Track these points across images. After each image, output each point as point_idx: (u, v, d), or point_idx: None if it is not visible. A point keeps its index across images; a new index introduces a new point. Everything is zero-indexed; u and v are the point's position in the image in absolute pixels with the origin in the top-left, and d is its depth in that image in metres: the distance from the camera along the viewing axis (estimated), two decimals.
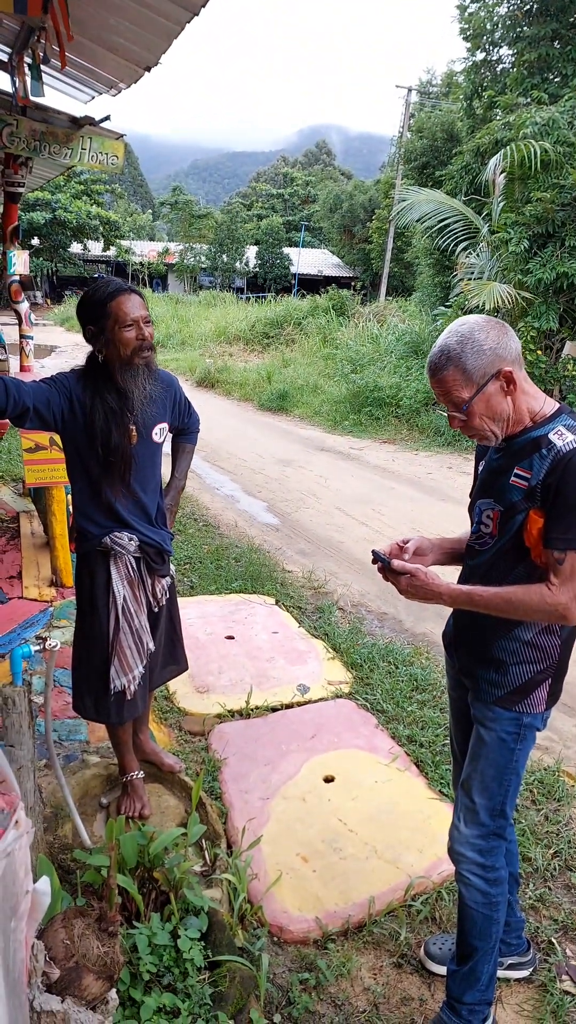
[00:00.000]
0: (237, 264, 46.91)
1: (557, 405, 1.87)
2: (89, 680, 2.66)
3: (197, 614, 4.81)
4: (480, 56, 16.59)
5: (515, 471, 1.83)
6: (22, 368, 6.33)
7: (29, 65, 4.45)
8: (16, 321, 6.19)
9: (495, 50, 16.45)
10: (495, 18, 15.77)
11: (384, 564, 1.93)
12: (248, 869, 2.64)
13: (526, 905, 2.67)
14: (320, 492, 8.56)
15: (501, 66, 16.56)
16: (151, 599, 2.69)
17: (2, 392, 2.18)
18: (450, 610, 2.12)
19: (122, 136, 5.71)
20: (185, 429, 2.95)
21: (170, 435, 2.81)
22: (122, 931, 1.97)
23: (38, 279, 39.78)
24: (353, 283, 38.02)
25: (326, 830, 2.94)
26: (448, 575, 1.96)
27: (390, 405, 12.84)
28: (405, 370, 13.52)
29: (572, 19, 14.21)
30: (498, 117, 14.22)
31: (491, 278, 11.09)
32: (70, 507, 4.85)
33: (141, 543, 2.59)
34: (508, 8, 15.57)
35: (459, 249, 12.38)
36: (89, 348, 2.47)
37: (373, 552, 1.95)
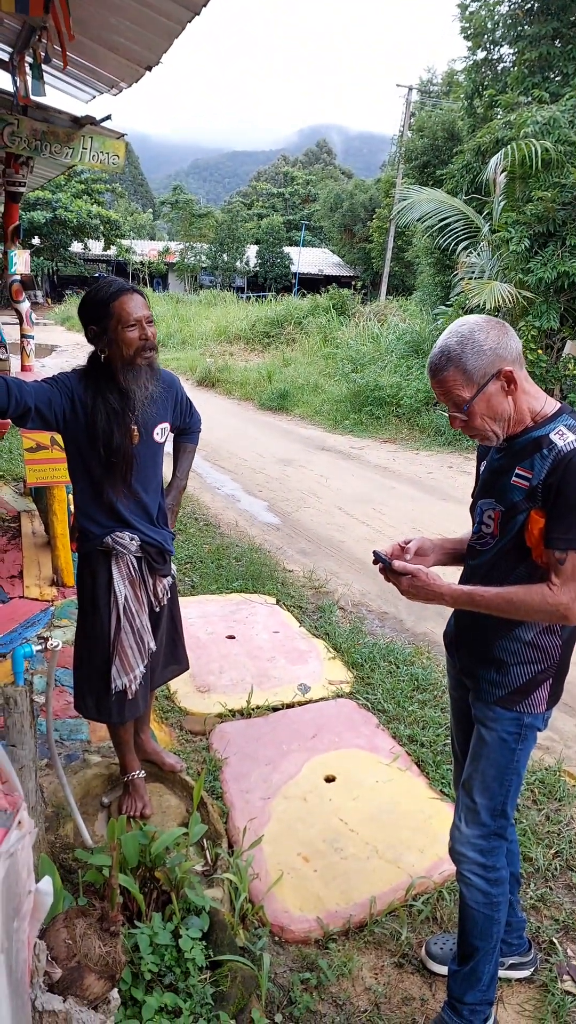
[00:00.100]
0: (238, 263, 46.90)
1: (558, 405, 1.87)
2: (90, 680, 2.66)
3: (198, 613, 4.81)
4: (481, 55, 16.56)
5: (516, 471, 1.83)
6: (23, 368, 6.33)
7: (30, 65, 4.45)
8: (17, 320, 6.19)
9: (496, 49, 16.41)
10: (496, 17, 15.74)
11: (385, 565, 1.93)
12: (249, 869, 2.64)
13: (527, 905, 2.67)
14: (321, 491, 8.56)
15: (502, 65, 16.53)
16: (152, 599, 2.69)
17: (4, 392, 2.18)
18: (451, 610, 2.12)
19: (123, 135, 5.71)
20: (187, 429, 2.95)
21: (171, 435, 2.81)
22: (124, 931, 1.97)
23: (39, 278, 39.75)
24: (354, 282, 38.00)
25: (327, 830, 2.95)
26: (449, 575, 1.96)
27: (391, 404, 12.84)
28: (406, 369, 13.52)
29: (573, 18, 14.18)
30: (499, 116, 14.20)
31: (492, 277, 11.09)
32: (71, 506, 4.86)
33: (142, 543, 2.59)
34: (509, 7, 15.54)
35: (460, 248, 12.38)
36: (91, 348, 2.48)
37: (374, 553, 1.95)
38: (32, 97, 4.74)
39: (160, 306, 30.07)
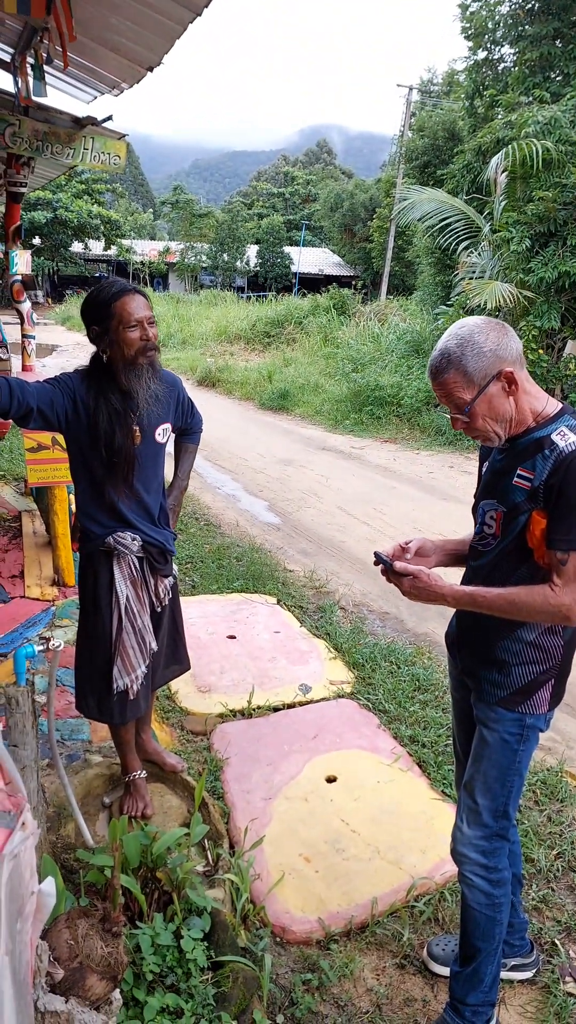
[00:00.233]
0: (238, 263, 46.88)
1: (560, 405, 1.87)
2: (92, 680, 2.66)
3: (199, 613, 4.81)
4: (482, 55, 16.55)
5: (518, 472, 1.83)
6: (24, 367, 6.33)
7: (32, 65, 4.45)
8: (18, 320, 6.19)
9: (497, 49, 16.40)
10: (497, 17, 15.73)
11: (386, 566, 1.93)
12: (251, 869, 2.64)
13: (529, 906, 2.67)
14: (321, 491, 8.56)
15: (503, 65, 16.52)
16: (154, 599, 2.70)
17: (6, 393, 2.18)
18: (453, 611, 2.12)
19: (124, 136, 5.71)
20: (188, 429, 2.95)
21: (173, 435, 2.81)
22: (125, 931, 1.97)
23: (39, 278, 39.73)
24: (354, 282, 37.99)
25: (328, 830, 2.95)
26: (451, 576, 1.96)
27: (391, 404, 12.84)
28: (406, 369, 13.52)
29: (574, 18, 14.17)
30: (500, 116, 14.20)
31: (493, 277, 11.09)
32: (72, 506, 4.86)
33: (144, 543, 2.59)
34: (510, 7, 15.53)
35: (460, 248, 12.37)
36: (92, 348, 2.48)
37: (375, 554, 1.95)
38: (33, 98, 4.74)
39: (160, 306, 30.08)
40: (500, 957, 2.12)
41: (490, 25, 15.87)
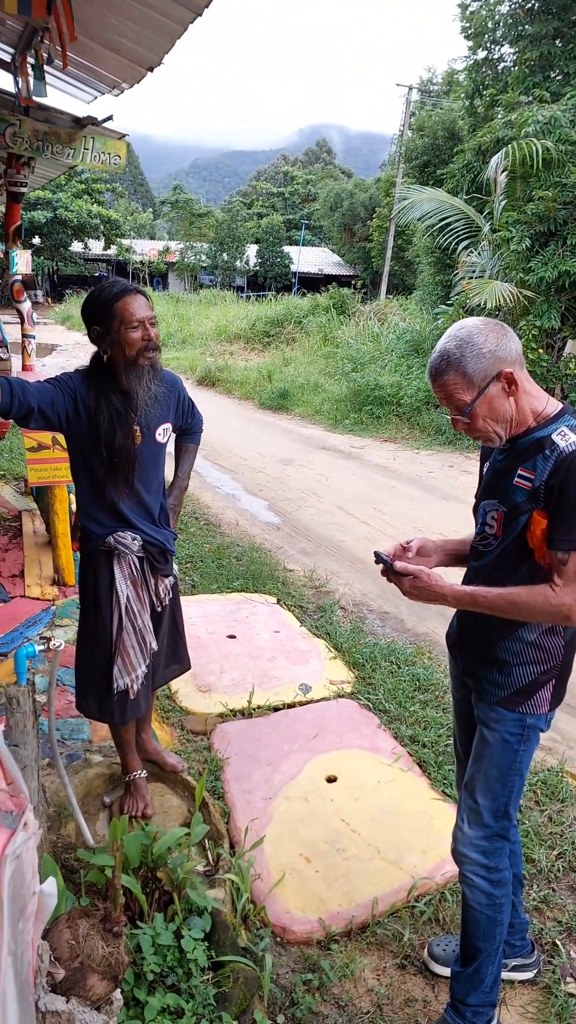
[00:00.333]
0: (237, 263, 46.87)
1: (560, 405, 1.87)
2: (92, 679, 2.66)
3: (199, 613, 4.81)
4: (481, 54, 16.53)
5: (519, 472, 1.83)
6: (24, 367, 6.33)
7: (32, 65, 4.45)
8: (18, 320, 6.19)
9: (496, 48, 16.38)
10: (497, 16, 15.71)
11: (387, 566, 1.93)
12: (251, 869, 2.64)
13: (530, 907, 2.67)
14: (321, 491, 8.56)
15: (503, 64, 16.50)
16: (154, 599, 2.70)
17: (7, 393, 2.18)
18: (453, 610, 2.12)
19: (124, 136, 5.71)
20: (188, 429, 2.95)
21: (173, 435, 2.81)
22: (126, 931, 1.97)
23: (39, 278, 39.77)
24: (354, 281, 37.98)
25: (329, 830, 2.95)
26: (452, 576, 1.96)
27: (391, 404, 12.84)
28: (406, 369, 13.52)
29: (574, 17, 14.16)
30: (499, 115, 14.19)
31: (492, 276, 11.09)
32: (72, 506, 4.86)
33: (144, 543, 2.60)
34: (510, 6, 15.52)
35: (460, 247, 12.37)
36: (92, 348, 2.48)
37: (375, 554, 1.95)
38: (34, 98, 4.74)
39: (160, 305, 30.06)
40: (501, 957, 2.12)
41: (490, 25, 15.85)
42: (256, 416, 14.01)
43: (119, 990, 1.68)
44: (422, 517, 7.57)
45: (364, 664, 4.33)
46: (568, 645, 1.93)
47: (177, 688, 3.91)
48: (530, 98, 12.74)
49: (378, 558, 1.95)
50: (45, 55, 4.22)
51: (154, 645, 2.68)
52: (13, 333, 8.24)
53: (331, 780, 3.27)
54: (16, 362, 7.72)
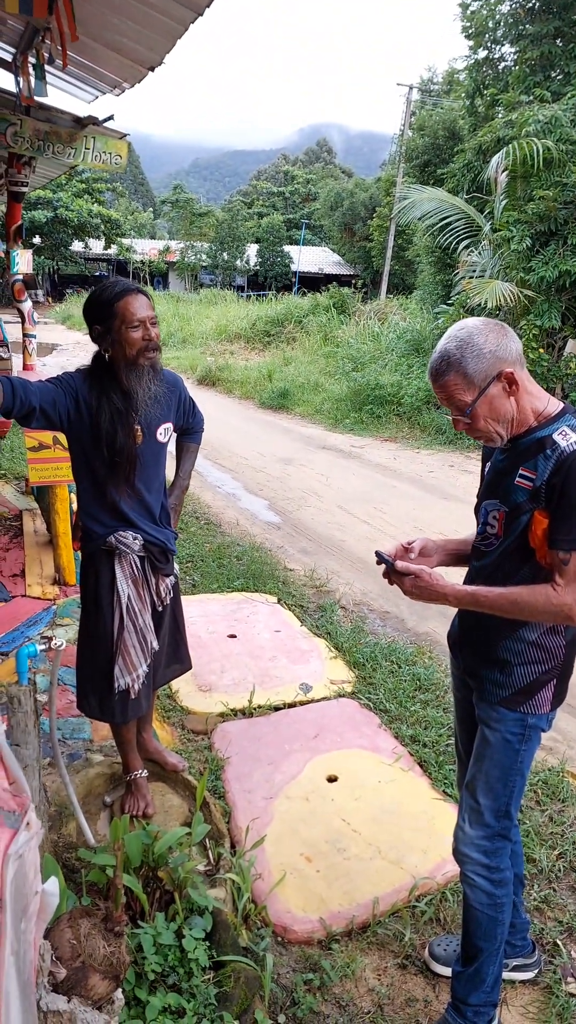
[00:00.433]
0: (238, 262, 46.87)
1: (561, 405, 1.87)
2: (93, 679, 2.66)
3: (199, 612, 4.81)
4: (482, 54, 16.54)
5: (520, 472, 1.83)
6: (25, 366, 6.34)
7: (33, 65, 4.46)
8: (19, 319, 6.20)
9: (497, 48, 16.39)
10: (497, 16, 15.72)
11: (388, 565, 1.93)
12: (252, 869, 2.64)
13: (531, 907, 2.67)
14: (321, 490, 8.57)
15: (503, 64, 16.51)
16: (155, 598, 2.70)
17: (8, 392, 2.18)
18: (454, 610, 2.12)
19: (125, 136, 5.72)
20: (189, 429, 2.95)
21: (174, 435, 2.81)
22: (127, 931, 1.97)
23: (39, 277, 39.79)
24: (354, 281, 37.96)
25: (330, 830, 2.95)
26: (453, 576, 1.96)
27: (391, 403, 12.84)
28: (406, 368, 13.52)
29: (575, 16, 14.17)
30: (500, 115, 14.20)
31: (493, 276, 11.08)
32: (73, 505, 4.86)
33: (145, 542, 2.60)
34: (510, 6, 15.52)
35: (461, 247, 12.36)
36: (93, 347, 2.48)
37: (377, 553, 1.96)
38: (35, 97, 4.74)
39: (161, 305, 30.07)
40: (502, 957, 2.12)
41: (491, 24, 15.86)
42: (256, 415, 14.01)
43: (120, 990, 1.68)
44: (422, 516, 7.57)
45: (365, 664, 4.33)
46: (569, 645, 1.93)
47: (178, 687, 3.92)
48: (531, 98, 12.73)
49: (379, 558, 1.95)
50: (46, 55, 4.22)
51: (155, 644, 2.68)
52: (14, 332, 8.25)
53: (332, 780, 3.27)
54: (17, 361, 7.73)
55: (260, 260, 47.92)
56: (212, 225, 46.85)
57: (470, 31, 16.40)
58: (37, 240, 37.01)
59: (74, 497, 4.46)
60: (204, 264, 46.81)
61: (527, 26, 14.89)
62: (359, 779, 3.27)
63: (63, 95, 5.94)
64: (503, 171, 10.85)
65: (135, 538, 2.56)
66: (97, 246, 43.72)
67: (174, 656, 2.93)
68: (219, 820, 2.86)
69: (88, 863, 2.42)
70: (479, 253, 11.85)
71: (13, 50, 5.37)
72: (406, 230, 27.26)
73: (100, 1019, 1.55)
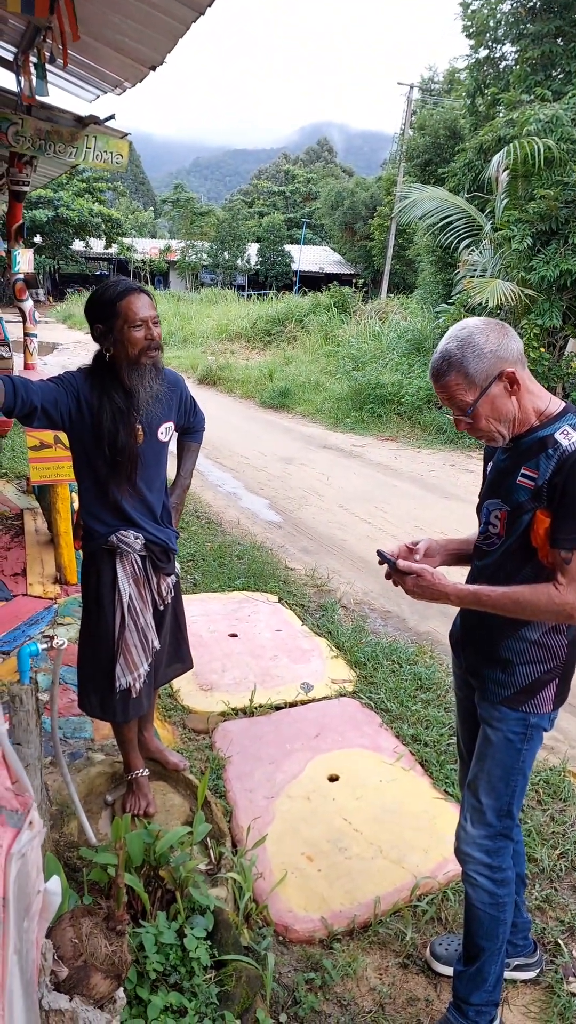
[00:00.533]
0: (239, 261, 46.85)
1: (563, 404, 1.87)
2: (95, 678, 2.66)
3: (200, 612, 4.81)
4: (483, 53, 16.54)
5: (522, 471, 1.84)
6: (26, 366, 6.34)
7: (35, 64, 4.45)
8: (20, 319, 6.20)
9: (498, 47, 16.39)
10: (498, 15, 15.71)
11: (390, 564, 1.93)
12: (253, 868, 2.64)
13: (532, 906, 2.67)
14: (322, 490, 8.56)
15: (504, 63, 16.50)
16: (156, 597, 2.70)
17: (10, 391, 2.18)
18: (456, 609, 2.12)
19: (127, 135, 5.71)
20: (191, 428, 2.95)
21: (176, 434, 2.81)
22: (129, 930, 1.97)
23: (40, 276, 39.80)
24: (355, 280, 37.97)
25: (331, 830, 2.95)
26: (454, 575, 1.96)
27: (392, 402, 12.84)
28: (407, 367, 13.52)
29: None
30: (501, 114, 14.19)
31: (494, 275, 11.08)
32: (75, 504, 4.87)
33: (147, 541, 2.60)
34: (511, 5, 15.52)
35: (462, 246, 12.36)
36: (94, 346, 2.48)
37: (378, 552, 1.96)
38: (36, 97, 4.74)
39: (161, 304, 30.05)
40: (504, 957, 2.12)
41: (491, 23, 15.86)
42: (257, 415, 14.01)
43: (122, 989, 1.68)
44: (423, 516, 7.56)
45: (366, 663, 4.33)
46: (572, 644, 1.93)
47: (179, 687, 3.92)
48: (532, 97, 12.73)
49: (381, 557, 1.95)
50: (48, 54, 4.22)
51: (156, 644, 2.68)
52: (15, 332, 8.25)
53: (333, 779, 3.27)
54: (18, 360, 7.73)
55: (261, 259, 47.90)
56: (213, 224, 46.84)
57: (471, 30, 16.39)
58: (38, 239, 37.03)
59: (75, 496, 4.46)
60: (205, 263, 46.80)
61: (528, 25, 14.88)
62: (360, 778, 3.27)
63: (64, 94, 5.95)
64: (504, 170, 10.84)
65: (136, 537, 2.56)
66: (98, 245, 43.72)
67: (175, 655, 2.93)
68: (220, 819, 2.86)
69: (90, 862, 2.42)
70: (480, 252, 11.85)
71: (15, 49, 5.37)
72: (407, 229, 27.25)
73: (102, 1018, 1.55)
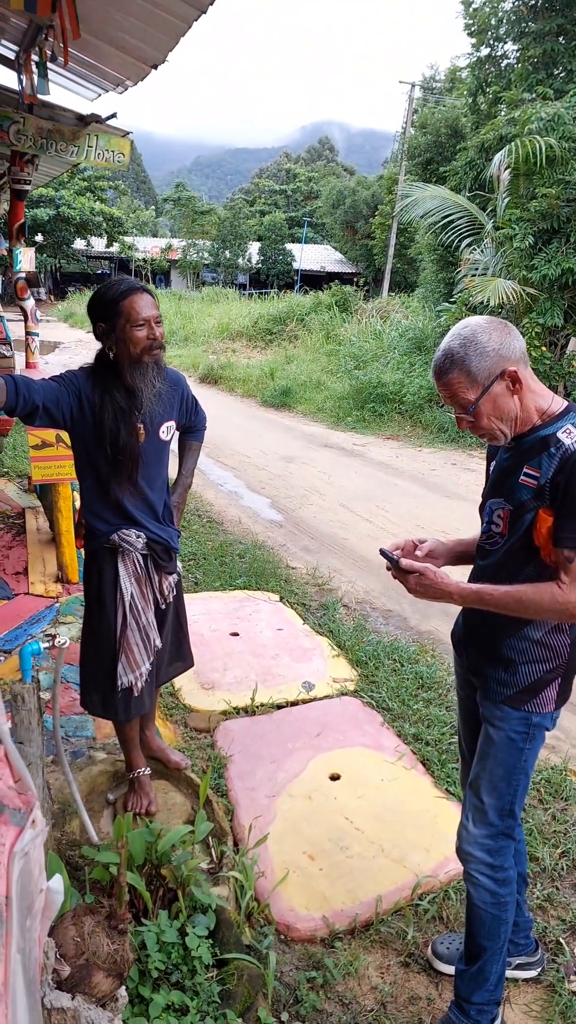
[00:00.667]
0: (240, 260, 46.85)
1: (565, 403, 1.87)
2: (97, 677, 2.66)
3: (202, 611, 4.82)
4: (485, 51, 16.51)
5: (524, 470, 1.83)
6: (28, 364, 6.34)
7: (36, 63, 4.45)
8: (22, 317, 6.20)
9: (500, 45, 16.36)
10: (500, 13, 15.69)
11: (392, 563, 1.93)
12: (255, 867, 2.65)
13: (534, 905, 2.67)
14: (323, 488, 8.56)
15: (506, 62, 16.47)
16: (158, 596, 2.70)
17: (12, 390, 2.18)
18: (458, 608, 2.12)
19: (128, 133, 5.71)
20: (192, 427, 2.95)
21: (177, 433, 2.81)
22: (131, 928, 1.97)
23: (42, 275, 39.81)
24: (356, 279, 37.97)
25: (333, 828, 2.95)
26: (458, 575, 1.95)
27: (393, 401, 12.83)
28: (408, 366, 13.52)
29: None
30: (503, 113, 14.18)
31: (495, 274, 11.07)
32: (76, 503, 4.87)
33: (148, 540, 2.60)
34: (513, 3, 15.50)
35: (463, 245, 12.36)
36: (95, 345, 2.48)
37: (381, 551, 1.96)
38: (38, 95, 4.74)
39: (163, 303, 30.03)
40: (505, 956, 2.12)
41: (493, 21, 15.83)
42: (258, 414, 14.01)
43: (124, 987, 1.68)
44: (424, 515, 7.56)
45: (367, 662, 4.33)
46: (574, 643, 1.93)
47: (180, 685, 3.92)
48: (533, 95, 12.72)
49: (384, 555, 1.95)
50: (49, 52, 4.22)
51: (158, 642, 2.68)
52: (17, 330, 8.25)
53: (334, 778, 3.27)
54: (20, 359, 7.73)
55: (262, 258, 47.91)
56: (214, 223, 46.83)
57: (473, 29, 16.36)
58: (39, 238, 37.03)
59: (77, 495, 4.46)
60: (206, 262, 46.80)
61: (530, 23, 14.85)
62: (362, 777, 3.27)
63: (66, 93, 5.94)
64: (505, 169, 10.83)
65: (138, 536, 2.56)
66: (99, 244, 43.75)
67: (177, 654, 2.93)
68: (222, 818, 2.86)
69: (92, 861, 2.43)
70: (481, 251, 11.84)
71: (16, 48, 5.36)
72: (408, 228, 27.24)
73: (104, 1016, 1.55)
